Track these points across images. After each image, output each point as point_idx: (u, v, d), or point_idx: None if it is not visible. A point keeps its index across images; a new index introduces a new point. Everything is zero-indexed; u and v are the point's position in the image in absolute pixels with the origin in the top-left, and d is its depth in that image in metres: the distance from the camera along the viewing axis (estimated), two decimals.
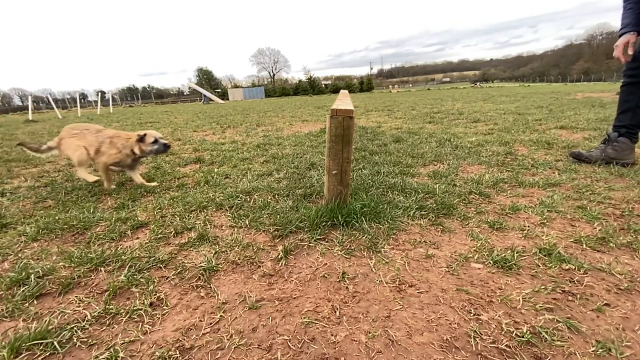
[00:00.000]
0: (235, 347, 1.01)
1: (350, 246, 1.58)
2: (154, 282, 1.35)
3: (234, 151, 4.02)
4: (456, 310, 1.13)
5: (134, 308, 1.19)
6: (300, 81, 59.04)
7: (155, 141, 2.55)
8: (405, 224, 1.78)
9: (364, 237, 1.64)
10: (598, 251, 1.45)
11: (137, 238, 1.76)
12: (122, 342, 1.04)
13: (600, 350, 0.94)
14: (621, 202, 1.91)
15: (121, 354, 0.99)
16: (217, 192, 2.39)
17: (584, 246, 1.48)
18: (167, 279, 1.38)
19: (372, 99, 18.28)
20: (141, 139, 2.53)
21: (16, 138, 6.53)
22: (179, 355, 0.99)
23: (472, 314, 1.10)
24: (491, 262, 1.39)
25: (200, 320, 1.13)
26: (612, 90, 13.41)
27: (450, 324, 1.07)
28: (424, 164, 3.00)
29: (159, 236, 1.74)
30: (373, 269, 1.39)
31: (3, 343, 1.03)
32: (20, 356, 1.00)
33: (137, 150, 2.54)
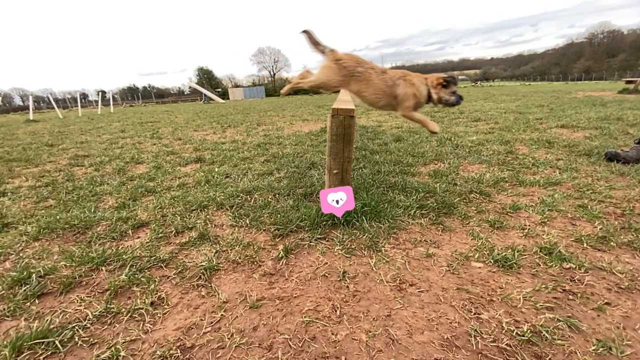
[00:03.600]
0: (236, 346, 1.01)
1: (350, 245, 1.58)
2: (155, 281, 1.35)
3: (235, 150, 4.02)
4: (457, 309, 1.13)
5: (135, 307, 1.19)
6: None
7: (455, 92, 2.20)
8: (406, 223, 1.78)
9: (364, 236, 1.64)
10: (599, 250, 1.45)
11: (138, 237, 1.76)
12: (123, 341, 1.04)
13: (601, 349, 0.94)
14: (622, 201, 1.91)
15: (122, 353, 0.99)
16: (218, 191, 2.39)
17: (585, 245, 1.48)
18: (168, 278, 1.38)
19: None
20: (445, 85, 2.17)
21: (17, 138, 6.55)
22: (180, 354, 0.99)
23: (472, 313, 1.10)
24: (492, 261, 1.39)
25: (201, 319, 1.13)
26: (613, 89, 13.37)
27: (450, 323, 1.07)
28: (424, 163, 2.99)
29: (160, 235, 1.74)
30: (373, 268, 1.39)
31: (5, 342, 1.03)
32: (22, 355, 1.00)
33: (434, 95, 2.19)
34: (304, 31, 2.15)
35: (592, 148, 3.07)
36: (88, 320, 1.14)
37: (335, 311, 1.15)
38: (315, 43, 2.15)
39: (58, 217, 2.02)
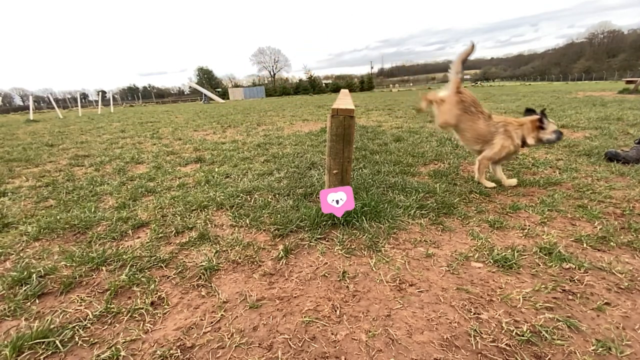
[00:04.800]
0: (236, 346, 1.02)
1: (350, 245, 1.58)
2: (155, 281, 1.35)
3: (235, 150, 4.02)
4: (456, 309, 1.13)
5: (135, 307, 1.19)
6: (300, 80, 58.93)
7: (555, 130, 2.09)
8: (406, 223, 1.78)
9: (364, 237, 1.64)
10: (598, 250, 1.45)
11: (138, 237, 1.76)
12: (123, 341, 1.05)
13: (600, 349, 0.94)
14: (622, 201, 1.91)
15: (122, 353, 1.00)
16: (218, 191, 2.40)
17: (585, 245, 1.48)
18: (168, 278, 1.38)
19: (373, 98, 18.27)
20: (541, 126, 2.07)
21: (17, 138, 6.55)
22: (180, 354, 0.99)
23: (472, 313, 1.10)
24: (491, 261, 1.39)
25: (201, 319, 1.13)
26: (613, 89, 13.37)
27: (450, 323, 1.07)
28: (424, 163, 3.00)
29: (160, 235, 1.74)
30: (373, 268, 1.39)
31: (5, 342, 1.03)
32: (23, 355, 1.00)
33: (531, 140, 2.09)
34: (472, 44, 2.20)
35: (592, 148, 3.07)
36: (88, 320, 1.14)
37: (335, 311, 1.15)
38: (463, 61, 2.18)
39: (58, 217, 2.02)
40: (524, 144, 2.13)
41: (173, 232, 1.77)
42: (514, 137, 2.11)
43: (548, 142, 2.13)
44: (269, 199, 2.20)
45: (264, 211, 1.99)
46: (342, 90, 5.28)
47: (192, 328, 1.09)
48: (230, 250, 1.59)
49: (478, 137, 2.16)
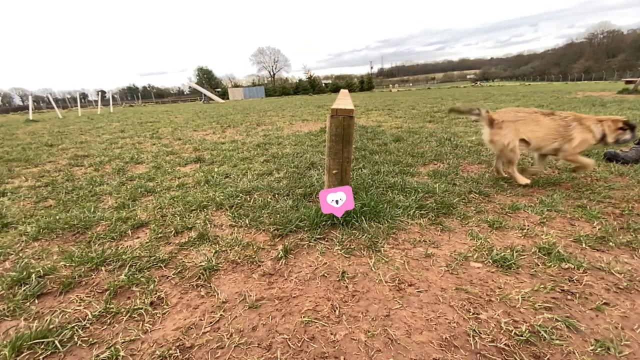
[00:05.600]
0: (235, 346, 1.02)
1: (350, 245, 1.58)
2: (155, 281, 1.35)
3: (234, 150, 4.02)
4: (455, 309, 1.13)
5: (135, 307, 1.19)
6: (300, 80, 58.83)
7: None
8: (405, 223, 1.79)
9: (363, 237, 1.64)
10: (597, 250, 1.45)
11: (138, 237, 1.76)
12: (122, 341, 1.05)
13: (599, 349, 0.94)
14: (621, 201, 1.91)
15: (122, 353, 1.00)
16: (217, 191, 2.40)
17: (584, 245, 1.48)
18: (167, 278, 1.38)
19: (373, 98, 18.27)
20: (623, 128, 2.07)
21: (17, 138, 6.54)
22: (179, 354, 0.99)
23: (471, 313, 1.10)
24: (490, 261, 1.39)
25: (201, 320, 1.13)
26: (613, 89, 13.38)
27: (449, 323, 1.07)
28: (424, 163, 3.00)
29: (160, 235, 1.74)
30: (373, 268, 1.39)
31: (5, 342, 1.04)
32: (22, 355, 1.00)
33: (611, 139, 2.08)
34: (482, 114, 2.22)
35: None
36: (87, 320, 1.14)
37: (334, 311, 1.15)
38: (468, 111, 2.24)
39: (58, 217, 2.02)
40: (601, 139, 2.11)
41: (172, 232, 1.78)
42: (595, 131, 2.09)
43: (624, 142, 2.15)
44: (269, 199, 2.20)
45: (263, 211, 1.99)
46: (341, 91, 5.28)
47: (192, 328, 1.10)
48: (230, 250, 1.59)
49: (551, 134, 2.11)
